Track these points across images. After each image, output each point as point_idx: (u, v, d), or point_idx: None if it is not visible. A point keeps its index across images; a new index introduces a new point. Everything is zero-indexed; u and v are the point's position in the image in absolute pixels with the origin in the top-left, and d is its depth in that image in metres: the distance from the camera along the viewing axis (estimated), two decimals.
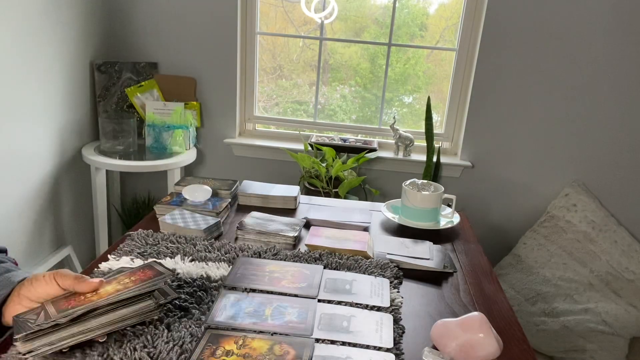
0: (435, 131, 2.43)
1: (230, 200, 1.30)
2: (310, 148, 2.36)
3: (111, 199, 2.54)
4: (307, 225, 1.23)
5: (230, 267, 0.96)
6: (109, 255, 0.98)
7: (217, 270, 0.94)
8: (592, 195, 2.35)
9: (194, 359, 0.68)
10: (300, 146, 2.45)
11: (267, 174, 2.54)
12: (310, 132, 2.57)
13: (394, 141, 2.43)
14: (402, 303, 0.90)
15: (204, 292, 0.86)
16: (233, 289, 0.88)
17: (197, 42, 2.38)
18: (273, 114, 2.64)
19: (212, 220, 1.13)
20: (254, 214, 1.22)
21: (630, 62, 2.19)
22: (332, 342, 0.75)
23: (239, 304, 0.83)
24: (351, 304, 0.86)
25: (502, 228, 2.50)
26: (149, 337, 0.73)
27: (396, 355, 0.74)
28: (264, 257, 1.01)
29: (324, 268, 0.98)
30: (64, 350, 0.68)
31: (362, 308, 0.85)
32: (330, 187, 2.27)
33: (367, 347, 0.75)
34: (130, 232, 1.08)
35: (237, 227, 1.13)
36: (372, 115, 2.58)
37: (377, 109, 2.54)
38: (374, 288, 0.92)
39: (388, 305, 0.87)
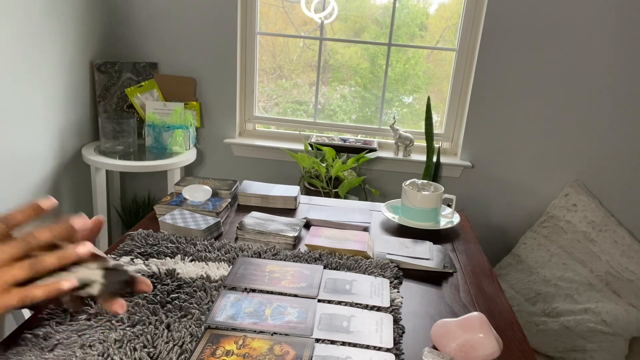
0: (435, 131, 2.43)
1: (230, 200, 1.30)
2: (310, 148, 2.36)
3: (111, 199, 2.54)
4: (307, 225, 1.23)
5: (230, 267, 0.96)
6: (109, 255, 0.98)
7: (217, 270, 0.94)
8: (592, 195, 2.35)
9: (194, 359, 0.68)
10: (300, 146, 2.45)
11: (267, 174, 2.54)
12: (310, 132, 2.57)
13: (394, 141, 2.43)
14: (402, 303, 0.90)
15: (204, 292, 0.86)
16: (233, 289, 0.88)
17: (197, 42, 2.38)
18: (273, 114, 2.64)
19: (212, 220, 1.13)
20: (254, 214, 1.22)
21: (630, 62, 2.19)
22: (332, 342, 0.75)
23: (238, 304, 0.83)
24: (351, 304, 0.86)
25: (502, 228, 2.50)
26: (149, 337, 0.73)
27: (396, 355, 0.74)
28: (264, 257, 1.01)
29: (324, 268, 0.98)
30: (63, 349, 0.68)
31: (362, 308, 0.85)
32: (330, 187, 2.27)
33: (367, 347, 0.75)
34: (130, 232, 1.08)
35: (237, 227, 1.12)
36: (372, 115, 2.58)
37: (377, 109, 2.54)
38: (374, 288, 0.92)
39: (388, 305, 0.87)
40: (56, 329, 0.74)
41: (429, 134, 2.29)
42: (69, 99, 2.17)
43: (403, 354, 0.75)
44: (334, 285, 0.91)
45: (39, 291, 0.56)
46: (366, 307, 0.86)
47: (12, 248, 0.56)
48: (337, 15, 2.43)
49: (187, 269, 0.94)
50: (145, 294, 0.84)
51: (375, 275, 0.97)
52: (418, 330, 0.83)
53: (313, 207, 1.33)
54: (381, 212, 1.35)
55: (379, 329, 0.79)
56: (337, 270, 0.98)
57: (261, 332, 0.76)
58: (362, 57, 2.53)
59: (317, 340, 0.75)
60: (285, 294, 0.87)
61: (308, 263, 1.00)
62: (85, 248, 0.58)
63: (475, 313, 0.77)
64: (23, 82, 1.87)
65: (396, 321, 0.83)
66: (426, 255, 1.09)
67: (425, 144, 2.33)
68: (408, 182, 1.31)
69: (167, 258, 0.98)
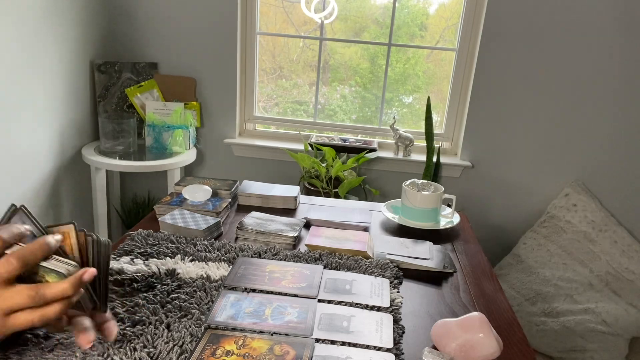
0: (435, 131, 2.43)
1: (230, 200, 1.30)
2: (310, 148, 2.36)
3: (111, 199, 2.54)
4: (307, 225, 1.23)
5: (230, 267, 0.96)
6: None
7: (217, 270, 0.94)
8: (592, 195, 2.35)
9: (194, 359, 0.68)
10: (300, 146, 2.45)
11: (267, 174, 2.54)
12: (310, 132, 2.57)
13: (394, 141, 2.43)
14: (402, 303, 0.90)
15: (204, 292, 0.86)
16: (233, 289, 0.88)
17: (197, 42, 2.38)
18: (273, 114, 2.64)
19: (212, 220, 1.13)
20: (254, 214, 1.22)
21: (630, 62, 2.19)
22: (332, 342, 0.75)
23: (239, 304, 0.83)
24: (351, 304, 0.86)
25: (502, 228, 2.50)
26: (149, 337, 0.73)
27: (396, 355, 0.74)
28: (264, 257, 1.01)
29: (324, 268, 0.98)
30: (63, 350, 0.68)
31: (362, 308, 0.85)
32: (330, 187, 2.27)
33: (367, 347, 0.75)
34: (130, 232, 1.08)
35: (237, 227, 1.12)
36: (372, 115, 2.58)
37: (377, 109, 2.54)
38: (374, 288, 0.92)
39: (388, 305, 0.87)
40: None
41: (429, 134, 2.29)
42: (69, 98, 2.17)
43: (403, 354, 0.75)
44: (334, 285, 0.91)
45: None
46: (366, 307, 0.86)
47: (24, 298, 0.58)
48: (337, 15, 2.43)
49: (187, 269, 0.94)
50: (145, 295, 0.84)
51: (375, 275, 0.97)
52: (418, 330, 0.83)
53: (313, 207, 1.33)
54: (381, 212, 1.35)
55: (379, 329, 0.79)
56: (337, 270, 0.98)
57: (261, 332, 0.76)
58: (362, 57, 2.53)
59: (317, 340, 0.75)
60: (285, 294, 0.87)
61: (308, 263, 1.00)
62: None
63: (475, 313, 0.77)
64: (23, 82, 1.87)
65: (396, 321, 0.83)
66: (426, 255, 1.09)
67: (425, 144, 2.33)
68: (408, 182, 1.31)
69: (167, 258, 0.98)
